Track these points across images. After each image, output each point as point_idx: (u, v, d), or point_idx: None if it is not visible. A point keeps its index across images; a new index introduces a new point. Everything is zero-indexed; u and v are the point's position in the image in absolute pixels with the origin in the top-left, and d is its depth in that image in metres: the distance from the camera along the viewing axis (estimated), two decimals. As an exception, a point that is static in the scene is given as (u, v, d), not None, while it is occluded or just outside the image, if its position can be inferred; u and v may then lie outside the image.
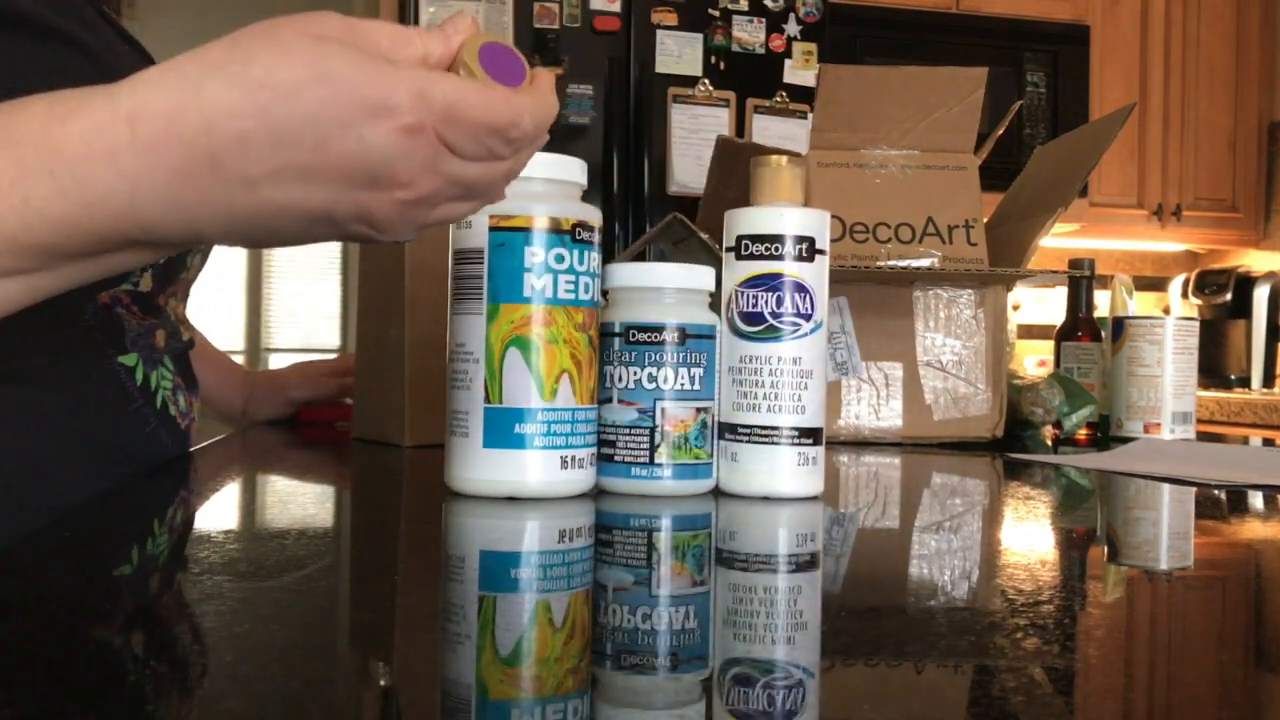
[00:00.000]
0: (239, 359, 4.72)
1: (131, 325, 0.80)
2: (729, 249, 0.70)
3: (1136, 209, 3.38)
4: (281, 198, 0.47)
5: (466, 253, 0.66)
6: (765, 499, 0.69)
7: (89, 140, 0.45)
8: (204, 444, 0.93)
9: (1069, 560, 0.56)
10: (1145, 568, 0.55)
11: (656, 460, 0.68)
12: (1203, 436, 1.25)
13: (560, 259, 0.65)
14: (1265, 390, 3.27)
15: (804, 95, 2.65)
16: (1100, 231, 3.43)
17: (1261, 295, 3.32)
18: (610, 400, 0.69)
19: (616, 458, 0.69)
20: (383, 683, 0.34)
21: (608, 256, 0.70)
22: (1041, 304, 3.56)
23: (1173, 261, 3.75)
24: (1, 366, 0.72)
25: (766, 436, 0.68)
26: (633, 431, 0.68)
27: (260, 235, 0.49)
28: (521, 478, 0.65)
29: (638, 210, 2.58)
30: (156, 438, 0.82)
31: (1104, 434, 1.25)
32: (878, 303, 1.11)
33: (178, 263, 0.86)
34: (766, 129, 2.64)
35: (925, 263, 1.11)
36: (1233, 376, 3.35)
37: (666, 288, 0.69)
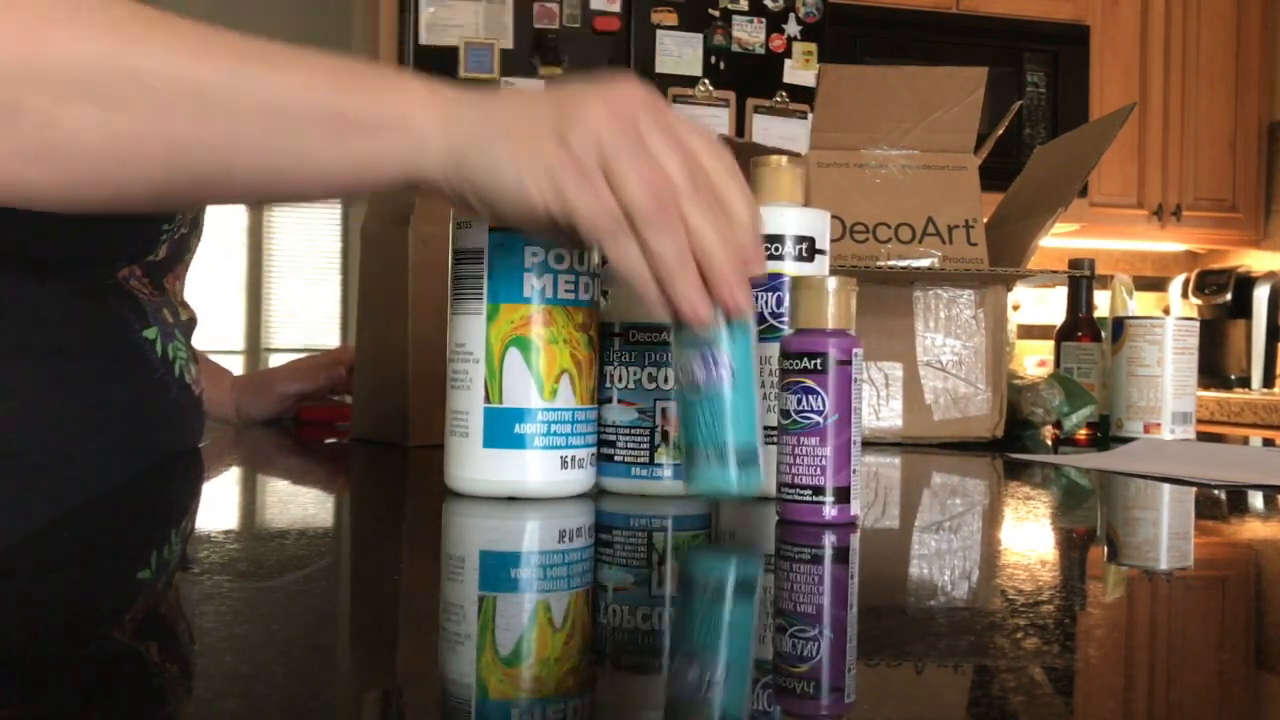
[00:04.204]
0: (239, 359, 4.72)
1: (146, 301, 0.86)
2: (729, 249, 0.70)
3: (1136, 209, 3.37)
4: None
5: (466, 252, 0.66)
6: (765, 499, 0.68)
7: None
8: (202, 445, 0.93)
9: (1069, 560, 0.56)
10: (1145, 568, 0.55)
11: (656, 460, 0.68)
12: (1203, 436, 1.25)
13: (560, 258, 0.65)
14: (1265, 390, 3.27)
15: (804, 95, 2.65)
16: (1100, 231, 3.42)
17: (1261, 295, 3.31)
18: (610, 400, 0.69)
19: (616, 458, 0.69)
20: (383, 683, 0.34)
21: (608, 256, 0.70)
22: (1041, 304, 3.56)
23: (1173, 261, 3.74)
24: (38, 340, 0.78)
25: (767, 436, 0.68)
26: (633, 431, 0.68)
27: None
28: (521, 478, 0.65)
29: (638, 210, 2.57)
30: (177, 404, 0.88)
31: (1104, 434, 1.25)
32: (877, 303, 1.11)
33: (181, 245, 0.90)
34: (766, 129, 2.64)
35: (925, 263, 1.11)
36: (1233, 376, 3.35)
37: (666, 288, 0.69)
